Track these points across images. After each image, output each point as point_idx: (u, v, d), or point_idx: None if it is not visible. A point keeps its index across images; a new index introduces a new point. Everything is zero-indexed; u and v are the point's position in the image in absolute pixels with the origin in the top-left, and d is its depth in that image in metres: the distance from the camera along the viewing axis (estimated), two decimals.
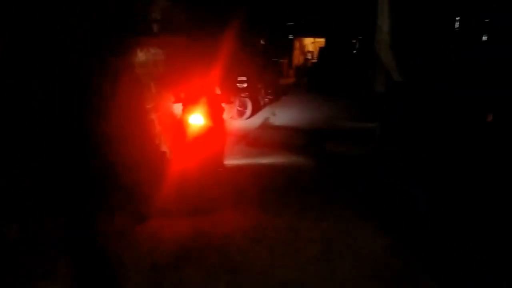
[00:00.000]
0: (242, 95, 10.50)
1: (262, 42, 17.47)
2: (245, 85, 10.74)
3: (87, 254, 3.67)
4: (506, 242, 4.24)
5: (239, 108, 10.44)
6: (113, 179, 4.25)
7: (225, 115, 5.77)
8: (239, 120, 10.20)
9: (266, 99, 12.44)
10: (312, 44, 24.48)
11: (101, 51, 4.27)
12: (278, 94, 13.97)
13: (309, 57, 23.40)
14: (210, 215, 4.53)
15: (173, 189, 4.67)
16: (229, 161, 6.38)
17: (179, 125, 5.12)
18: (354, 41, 18.95)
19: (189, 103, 5.14)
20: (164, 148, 5.07)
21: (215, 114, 5.27)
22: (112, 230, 3.99)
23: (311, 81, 18.48)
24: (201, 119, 5.09)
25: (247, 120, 10.32)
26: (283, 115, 11.07)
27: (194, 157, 5.01)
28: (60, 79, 3.90)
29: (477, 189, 5.48)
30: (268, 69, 14.08)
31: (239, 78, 10.72)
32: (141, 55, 4.75)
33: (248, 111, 10.36)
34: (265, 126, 9.81)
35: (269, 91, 12.86)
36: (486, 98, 6.20)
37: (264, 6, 15.93)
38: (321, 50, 20.09)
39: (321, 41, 22.20)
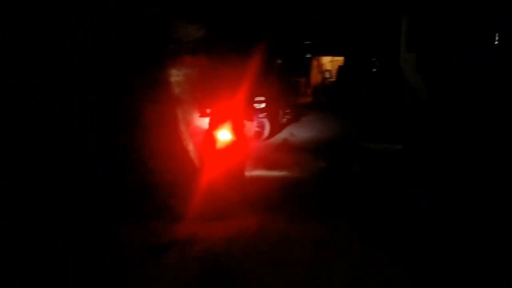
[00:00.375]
0: (260, 115, 10.16)
1: (279, 61, 17.30)
2: (262, 105, 10.39)
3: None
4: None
5: (257, 129, 10.10)
6: (151, 185, 4.57)
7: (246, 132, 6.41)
8: (257, 142, 9.84)
9: (284, 120, 12.07)
10: (330, 63, 24.16)
11: (142, 69, 4.64)
12: (296, 114, 13.58)
13: (327, 76, 23.10)
14: (234, 220, 4.86)
15: (202, 196, 4.99)
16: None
17: (207, 138, 5.55)
18: (374, 59, 18.54)
19: (216, 119, 5.64)
20: (194, 158, 5.33)
21: (238, 130, 5.76)
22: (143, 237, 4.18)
23: (330, 100, 18.12)
24: (227, 134, 5.58)
25: (265, 141, 9.95)
26: (301, 136, 10.71)
27: (220, 168, 5.39)
28: (103, 94, 4.19)
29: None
30: (285, 89, 13.72)
31: (257, 98, 10.39)
32: (175, 73, 5.14)
33: (266, 132, 10.03)
34: (283, 148, 9.42)
35: (287, 111, 12.49)
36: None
37: (281, 24, 15.73)
38: (340, 68, 19.81)
39: (339, 59, 21.91)
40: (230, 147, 5.65)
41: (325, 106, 17.56)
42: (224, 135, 5.63)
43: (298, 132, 11.05)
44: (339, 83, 18.73)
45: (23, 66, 3.75)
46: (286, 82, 15.19)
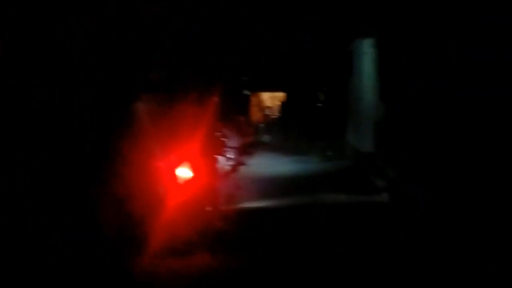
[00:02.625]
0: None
1: (215, 99, 15.92)
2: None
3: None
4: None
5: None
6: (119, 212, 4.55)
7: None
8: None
9: (226, 167, 10.14)
10: (270, 99, 22.98)
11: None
12: (237, 159, 11.69)
13: (269, 113, 21.90)
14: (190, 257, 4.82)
15: (163, 230, 4.95)
16: None
17: (168, 175, 5.47)
18: (318, 93, 17.41)
19: (176, 156, 5.58)
20: (161, 192, 5.28)
21: (198, 167, 5.75)
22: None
23: (274, 140, 16.75)
24: (186, 171, 5.62)
25: None
26: (248, 185, 8.80)
27: (179, 203, 5.34)
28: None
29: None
30: (224, 130, 11.87)
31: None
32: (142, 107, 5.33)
33: None
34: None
35: (229, 155, 10.58)
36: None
37: (216, 61, 14.49)
38: (283, 104, 18.71)
39: (280, 95, 20.88)
40: (189, 184, 5.65)
41: (270, 146, 15.99)
42: (183, 172, 5.63)
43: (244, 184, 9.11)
44: (283, 120, 17.44)
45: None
46: (226, 121, 13.57)
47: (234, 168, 10.73)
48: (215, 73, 15.14)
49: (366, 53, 9.49)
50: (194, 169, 5.53)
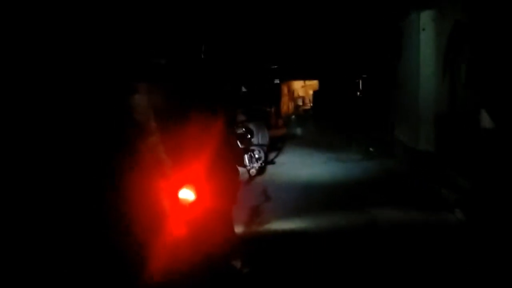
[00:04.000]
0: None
1: (243, 89, 14.72)
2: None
3: None
4: None
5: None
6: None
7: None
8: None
9: (252, 170, 8.60)
10: (302, 88, 21.42)
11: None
12: (265, 158, 10.12)
13: (300, 103, 20.41)
14: None
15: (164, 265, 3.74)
16: None
17: (169, 197, 4.04)
18: (357, 81, 15.68)
19: (180, 175, 4.12)
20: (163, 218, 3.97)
21: (205, 189, 4.13)
22: None
23: (306, 133, 15.22)
24: (189, 193, 4.07)
25: None
26: (278, 193, 7.18)
27: (181, 234, 4.00)
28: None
29: None
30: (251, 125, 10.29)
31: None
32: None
33: None
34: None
35: (257, 153, 9.04)
36: None
37: (243, 49, 13.34)
38: (316, 94, 17.15)
39: (313, 84, 19.34)
40: (194, 209, 4.13)
41: (303, 140, 14.35)
42: (186, 194, 4.17)
43: (271, 190, 7.47)
44: (316, 111, 15.91)
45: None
46: (253, 114, 12.04)
47: (261, 170, 9.23)
48: (240, 61, 14.04)
49: (424, 30, 7.68)
50: (198, 190, 4.05)
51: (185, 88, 5.56)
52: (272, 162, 10.46)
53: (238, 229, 5.28)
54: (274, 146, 12.06)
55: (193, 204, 3.91)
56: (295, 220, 5.61)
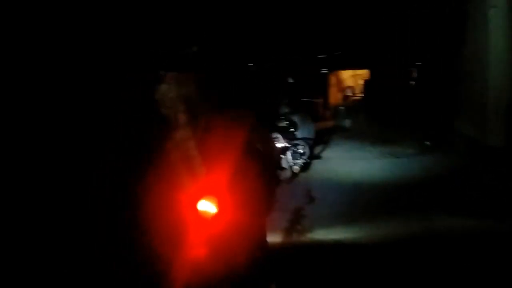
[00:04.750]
0: None
1: (290, 80, 14.03)
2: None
3: None
4: None
5: None
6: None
7: None
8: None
9: (295, 167, 7.87)
10: (352, 77, 20.39)
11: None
12: (310, 153, 9.37)
13: (349, 94, 19.44)
14: None
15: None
16: None
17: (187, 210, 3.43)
18: (411, 69, 14.55)
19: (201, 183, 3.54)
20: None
21: (229, 200, 3.49)
22: None
23: (356, 125, 14.34)
24: (209, 206, 3.43)
25: None
26: (323, 194, 6.42)
27: (202, 252, 3.40)
28: None
29: None
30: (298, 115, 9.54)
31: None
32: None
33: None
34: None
35: (300, 148, 8.31)
36: None
37: (289, 38, 12.62)
38: (366, 84, 16.18)
39: (363, 73, 18.32)
40: (215, 223, 3.43)
41: (352, 133, 13.43)
42: (206, 206, 3.47)
43: (316, 190, 6.71)
44: (367, 102, 15.01)
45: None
46: (299, 105, 11.30)
47: (305, 166, 8.50)
48: (286, 50, 13.37)
49: (495, 7, 6.65)
50: (220, 202, 3.46)
51: (219, 80, 5.10)
52: (318, 157, 9.69)
53: (276, 238, 4.61)
54: (321, 139, 11.26)
55: (214, 217, 3.27)
56: (342, 228, 4.88)
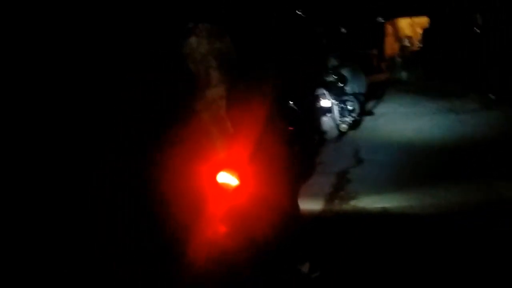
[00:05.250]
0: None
1: (343, 30, 13.29)
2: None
3: None
4: None
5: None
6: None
7: None
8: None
9: (343, 125, 7.31)
10: (410, 26, 19.09)
11: None
12: (362, 107, 8.71)
13: (407, 44, 18.30)
14: None
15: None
16: None
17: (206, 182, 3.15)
18: (475, 15, 13.29)
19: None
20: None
21: (252, 171, 3.15)
22: None
23: (413, 77, 13.49)
24: (229, 178, 3.14)
25: None
26: (372, 154, 5.88)
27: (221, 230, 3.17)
28: None
29: None
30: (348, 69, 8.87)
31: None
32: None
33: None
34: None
35: (348, 106, 7.73)
36: None
37: None
38: (426, 33, 15.13)
39: (422, 21, 17.07)
40: (236, 196, 3.07)
41: (409, 86, 12.55)
42: (226, 178, 3.17)
43: (366, 151, 6.17)
44: (425, 53, 14.08)
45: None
46: (350, 57, 10.56)
47: (354, 123, 7.92)
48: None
49: None
50: (241, 175, 3.10)
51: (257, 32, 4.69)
52: (369, 113, 9.04)
53: (315, 205, 4.20)
54: (374, 93, 10.55)
55: (235, 190, 2.89)
56: (390, 195, 4.36)
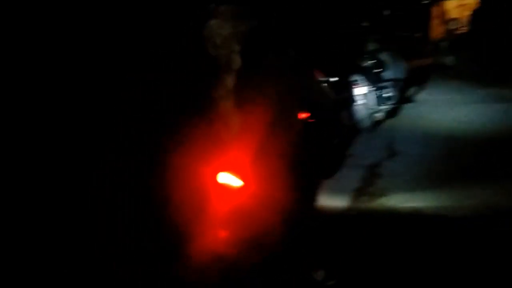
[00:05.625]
0: None
1: (385, 12, 12.75)
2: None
3: None
4: None
5: None
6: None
7: None
8: None
9: (379, 114, 6.86)
10: (457, 8, 18.16)
11: None
12: (402, 94, 8.20)
13: (453, 27, 17.48)
14: None
15: None
16: None
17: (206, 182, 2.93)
18: None
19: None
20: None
21: (257, 170, 2.89)
22: None
23: (460, 63, 12.83)
24: (231, 178, 2.90)
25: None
26: (408, 146, 5.45)
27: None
28: None
29: None
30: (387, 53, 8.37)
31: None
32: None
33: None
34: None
35: (385, 93, 7.27)
36: None
37: None
38: (475, 14, 14.39)
39: (471, 2, 16.21)
40: (239, 198, 2.78)
41: (456, 72, 11.84)
42: (227, 179, 2.89)
43: (402, 142, 5.74)
44: (473, 36, 13.47)
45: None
46: (391, 40, 10.02)
47: (392, 112, 7.44)
48: None
49: None
50: (244, 175, 2.83)
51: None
52: (409, 100, 8.52)
53: (339, 201, 3.87)
54: (417, 79, 9.97)
55: (238, 191, 2.61)
56: (424, 193, 3.97)
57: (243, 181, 2.68)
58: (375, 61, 7.61)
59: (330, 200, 3.87)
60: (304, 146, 3.03)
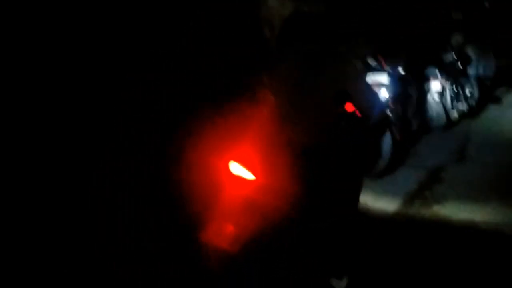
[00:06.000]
0: None
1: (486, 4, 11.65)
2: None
3: None
4: None
5: None
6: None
7: None
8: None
9: (454, 114, 6.32)
10: None
11: None
12: (487, 93, 7.50)
13: None
14: None
15: None
16: None
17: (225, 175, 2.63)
18: None
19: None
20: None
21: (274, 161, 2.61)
22: None
23: None
24: (241, 169, 2.57)
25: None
26: (481, 152, 4.97)
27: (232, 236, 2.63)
28: None
29: None
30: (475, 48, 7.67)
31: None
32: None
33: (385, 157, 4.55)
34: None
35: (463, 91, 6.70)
36: None
37: None
38: None
39: None
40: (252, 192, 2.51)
41: None
42: (237, 169, 2.54)
43: (475, 146, 5.25)
44: None
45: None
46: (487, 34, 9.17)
47: (471, 111, 6.84)
48: None
49: None
50: (255, 167, 2.53)
51: None
52: (496, 100, 7.76)
53: (389, 204, 3.62)
54: (507, 79, 9.10)
55: (251, 184, 2.43)
56: (486, 204, 3.58)
57: (257, 175, 2.51)
58: (459, 56, 7.02)
59: (379, 202, 3.62)
60: (342, 141, 2.79)
